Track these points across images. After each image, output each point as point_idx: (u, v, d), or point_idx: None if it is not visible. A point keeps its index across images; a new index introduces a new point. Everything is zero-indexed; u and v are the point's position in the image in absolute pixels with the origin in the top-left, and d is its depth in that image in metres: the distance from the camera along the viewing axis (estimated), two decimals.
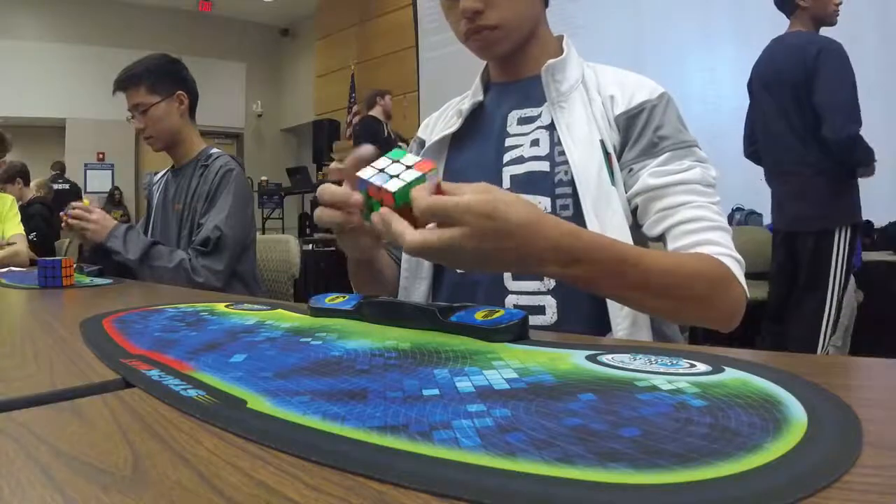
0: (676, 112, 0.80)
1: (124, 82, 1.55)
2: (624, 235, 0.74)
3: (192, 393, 0.37)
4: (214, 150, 1.63)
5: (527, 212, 0.55)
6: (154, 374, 0.41)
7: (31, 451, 0.28)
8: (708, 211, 0.73)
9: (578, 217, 0.76)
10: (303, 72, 8.57)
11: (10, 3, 7.19)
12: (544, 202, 0.78)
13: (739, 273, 0.70)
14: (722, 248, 0.70)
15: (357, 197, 0.59)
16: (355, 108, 6.73)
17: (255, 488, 0.24)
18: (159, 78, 1.56)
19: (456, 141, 0.90)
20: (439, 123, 0.96)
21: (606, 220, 0.75)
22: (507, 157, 0.83)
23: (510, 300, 0.79)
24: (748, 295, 0.70)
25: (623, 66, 0.86)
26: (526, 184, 0.80)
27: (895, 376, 0.42)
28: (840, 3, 2.06)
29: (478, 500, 0.23)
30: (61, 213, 1.47)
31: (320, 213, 0.62)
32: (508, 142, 0.84)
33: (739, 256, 0.71)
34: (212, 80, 7.87)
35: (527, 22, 0.84)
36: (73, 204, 1.46)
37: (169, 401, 0.35)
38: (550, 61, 0.83)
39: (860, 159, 1.94)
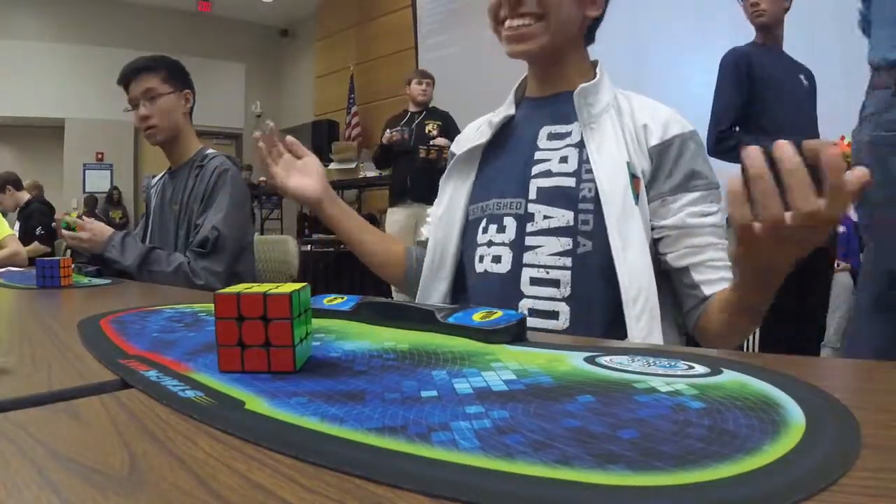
0: (704, 149, 0.85)
1: (141, 68, 1.57)
2: (644, 252, 0.78)
3: (190, 394, 0.37)
4: (210, 151, 1.63)
5: None
6: (152, 374, 0.41)
7: (28, 452, 0.28)
8: (724, 252, 0.81)
9: (600, 232, 0.80)
10: (302, 72, 8.57)
11: (10, 3, 7.18)
12: (567, 216, 0.82)
13: None
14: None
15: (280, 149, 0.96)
16: (354, 109, 6.73)
17: (251, 490, 0.24)
18: (174, 72, 1.61)
19: (488, 151, 0.93)
20: (472, 136, 0.99)
21: (629, 236, 0.78)
22: (535, 170, 0.86)
23: (525, 303, 0.82)
24: None
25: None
26: (551, 197, 0.83)
27: (894, 379, 0.42)
28: (755, 3, 2.10)
29: (476, 502, 0.22)
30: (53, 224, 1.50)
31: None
32: (538, 155, 0.87)
33: None
34: (211, 80, 7.86)
35: (567, 25, 0.86)
36: (65, 235, 1.47)
37: (167, 402, 0.35)
38: (583, 84, 0.85)
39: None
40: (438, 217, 0.95)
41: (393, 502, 0.23)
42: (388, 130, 3.76)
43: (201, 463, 0.27)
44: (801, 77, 2.14)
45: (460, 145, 0.99)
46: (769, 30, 2.13)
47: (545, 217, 0.83)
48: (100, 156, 7.90)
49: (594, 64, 0.93)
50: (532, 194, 0.85)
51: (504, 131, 0.93)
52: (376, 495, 0.23)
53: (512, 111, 0.93)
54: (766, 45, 2.13)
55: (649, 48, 4.27)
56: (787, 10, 2.13)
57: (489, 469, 0.25)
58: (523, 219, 0.84)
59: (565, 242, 0.81)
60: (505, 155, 0.91)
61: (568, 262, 0.81)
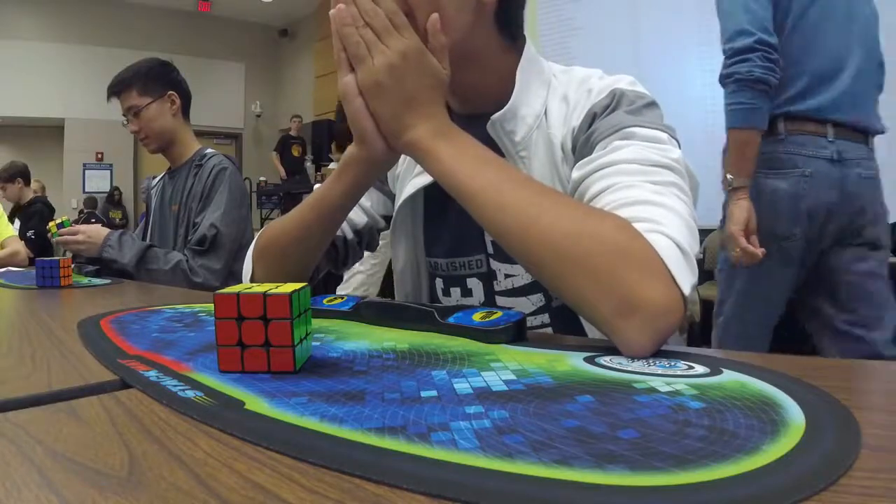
0: (629, 102, 0.64)
1: (116, 87, 1.59)
2: None
3: (190, 394, 0.37)
4: (209, 151, 1.64)
5: None
6: (152, 374, 0.41)
7: (27, 452, 0.28)
8: (639, 190, 0.53)
9: None
10: (302, 72, 8.58)
11: (10, 3, 7.19)
12: (526, 275, 0.70)
13: (678, 266, 0.46)
14: (650, 225, 0.49)
15: None
16: None
17: (251, 490, 0.24)
18: (149, 80, 1.60)
19: (426, 190, 0.76)
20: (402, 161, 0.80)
21: None
22: None
23: None
24: (685, 302, 0.46)
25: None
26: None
27: (894, 379, 0.42)
28: None
29: (475, 502, 0.22)
30: (48, 235, 1.51)
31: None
32: None
33: (687, 247, 0.48)
34: (211, 80, 7.87)
35: (453, 22, 0.62)
36: (60, 233, 1.47)
37: (166, 402, 0.35)
38: (494, 116, 0.67)
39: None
40: (399, 272, 0.82)
41: (393, 502, 0.23)
42: None
43: (201, 463, 0.27)
44: None
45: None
46: None
47: (507, 276, 0.72)
48: (100, 156, 7.91)
49: (515, 54, 0.70)
50: (490, 247, 0.72)
51: None
52: (376, 495, 0.23)
53: None
54: None
55: (649, 49, 4.28)
56: None
57: (489, 469, 0.25)
58: (488, 277, 0.74)
59: (536, 300, 0.71)
60: (444, 197, 0.63)
61: (546, 318, 0.71)
